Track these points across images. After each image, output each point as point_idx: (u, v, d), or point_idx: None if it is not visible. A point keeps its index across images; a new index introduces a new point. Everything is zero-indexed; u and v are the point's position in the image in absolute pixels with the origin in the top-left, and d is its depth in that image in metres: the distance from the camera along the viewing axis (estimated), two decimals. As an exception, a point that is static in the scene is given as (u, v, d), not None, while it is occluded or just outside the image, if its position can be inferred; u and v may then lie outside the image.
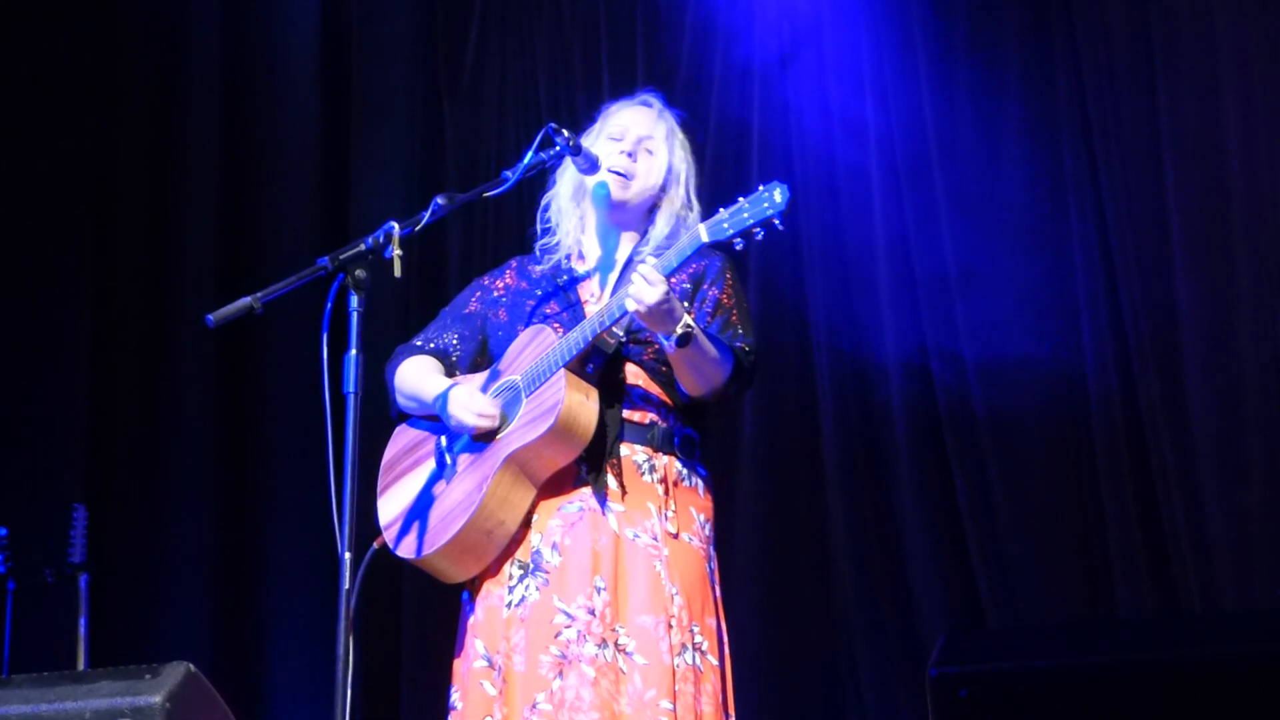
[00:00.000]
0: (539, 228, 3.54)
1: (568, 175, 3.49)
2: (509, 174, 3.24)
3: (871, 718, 5.12)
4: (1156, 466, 4.85)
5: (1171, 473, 4.81)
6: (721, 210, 3.08)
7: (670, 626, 3.15)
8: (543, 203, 3.55)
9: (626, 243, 3.46)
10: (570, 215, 3.49)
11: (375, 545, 3.30)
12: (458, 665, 3.30)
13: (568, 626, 3.14)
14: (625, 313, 3.17)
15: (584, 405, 3.18)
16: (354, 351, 2.93)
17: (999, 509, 5.05)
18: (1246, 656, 3.72)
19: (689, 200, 3.46)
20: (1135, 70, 5.05)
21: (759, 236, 3.03)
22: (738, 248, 3.07)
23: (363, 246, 3.00)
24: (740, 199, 3.05)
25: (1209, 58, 4.94)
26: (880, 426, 5.27)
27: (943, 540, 5.13)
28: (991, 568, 5.03)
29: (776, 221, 3.01)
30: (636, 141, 3.42)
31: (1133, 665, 3.79)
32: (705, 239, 3.07)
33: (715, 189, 5.38)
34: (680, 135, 3.50)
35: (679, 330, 3.08)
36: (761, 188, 3.03)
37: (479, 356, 3.48)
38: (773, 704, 5.16)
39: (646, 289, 3.03)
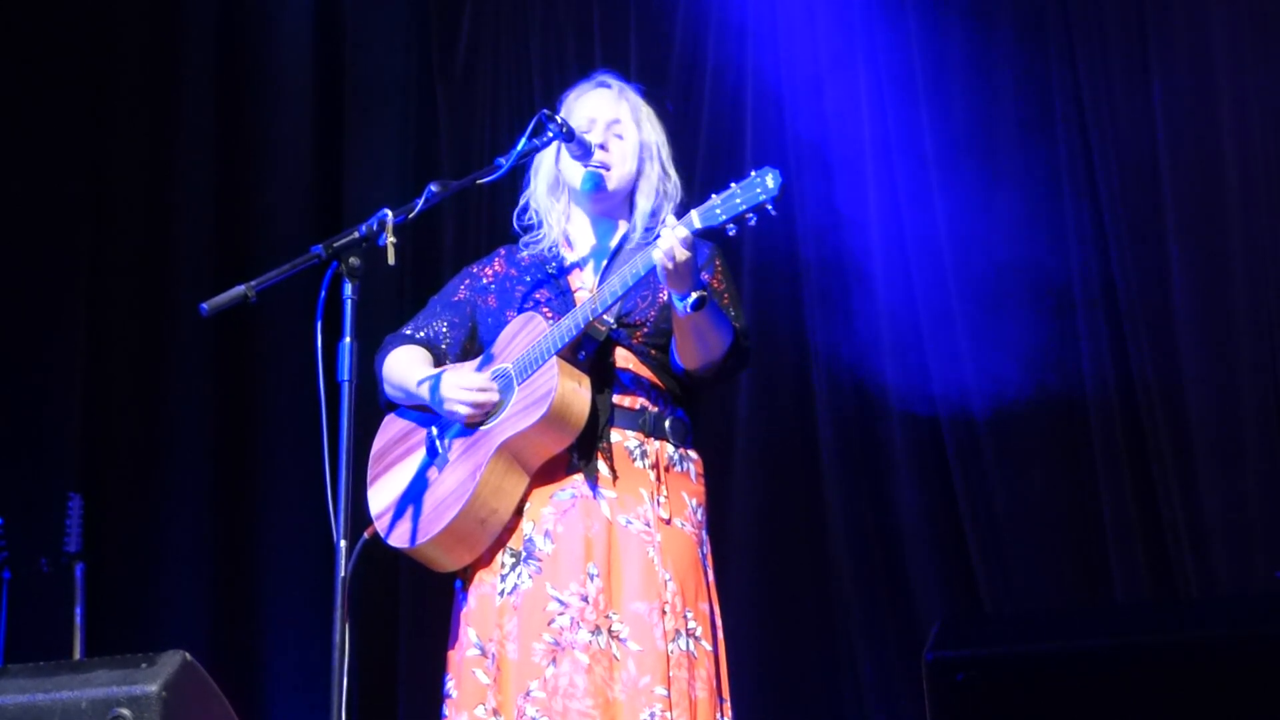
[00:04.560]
0: (520, 225, 3.54)
1: (543, 170, 3.49)
2: (503, 160, 3.23)
3: (869, 702, 5.13)
4: (1153, 450, 4.84)
5: (1167, 457, 4.81)
6: (714, 196, 3.07)
7: (664, 613, 3.15)
8: (521, 202, 3.55)
9: (613, 229, 3.46)
10: (552, 209, 3.49)
11: (366, 535, 3.30)
12: (452, 655, 3.30)
13: (561, 614, 3.14)
14: (618, 298, 3.18)
15: (576, 393, 3.19)
16: (348, 339, 2.92)
17: (995, 494, 5.05)
18: (1242, 640, 3.72)
19: (665, 172, 3.47)
20: (1129, 51, 5.04)
21: (752, 222, 3.03)
22: (730, 233, 3.06)
23: (356, 234, 2.98)
24: (733, 184, 3.05)
25: (1202, 35, 4.93)
26: (876, 413, 5.26)
27: (939, 525, 5.13)
28: (988, 553, 5.03)
29: (769, 206, 3.01)
30: (605, 129, 3.41)
31: (1129, 649, 3.80)
32: (698, 224, 3.07)
33: (710, 174, 5.41)
34: (646, 108, 3.49)
35: (697, 293, 3.09)
36: (754, 173, 3.03)
37: (468, 343, 3.48)
38: (770, 689, 5.16)
39: (678, 247, 3.04)
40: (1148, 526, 4.85)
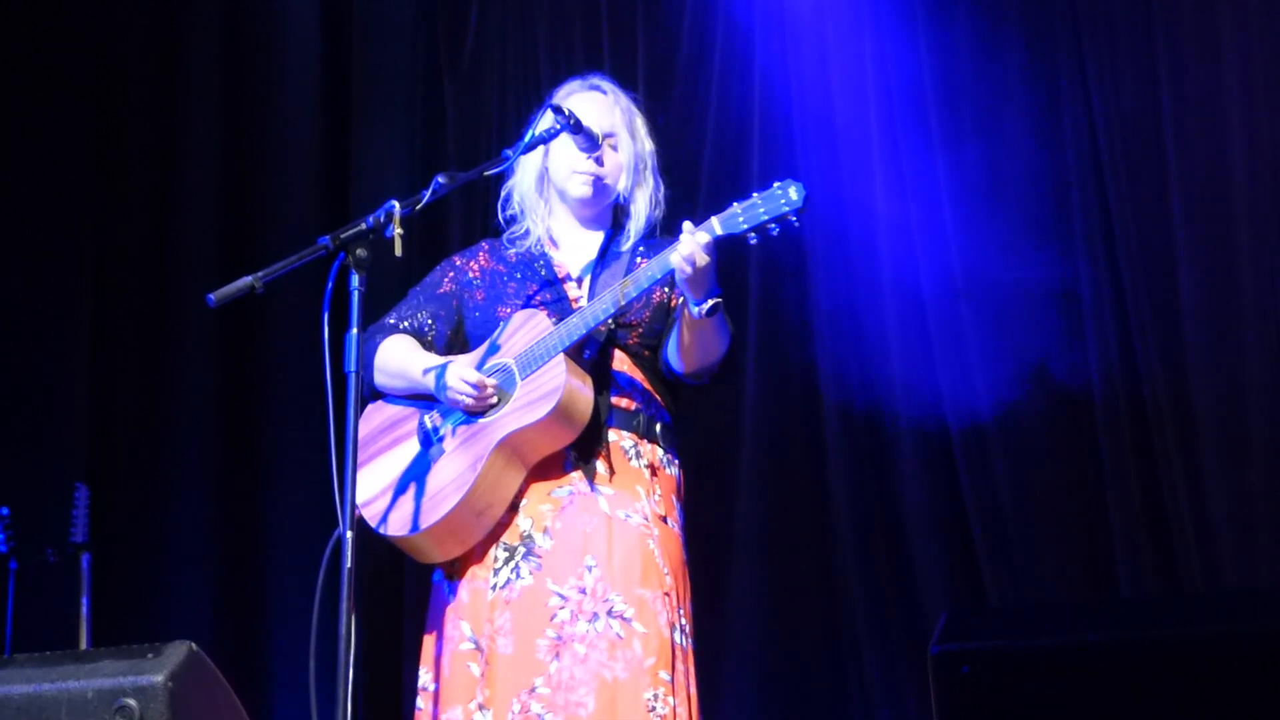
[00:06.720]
0: (502, 218, 3.53)
1: (530, 165, 3.48)
2: (510, 152, 3.23)
3: (874, 695, 5.13)
4: (1158, 446, 4.84)
5: (1173, 452, 4.81)
6: (735, 205, 3.07)
7: (665, 603, 3.15)
8: (503, 194, 3.54)
9: (601, 233, 3.47)
10: (537, 205, 3.48)
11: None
12: (427, 645, 3.29)
13: (561, 608, 3.14)
14: (632, 301, 3.18)
15: (581, 391, 3.19)
16: (355, 330, 2.91)
17: (1001, 488, 5.05)
18: (1247, 635, 3.73)
19: (657, 181, 3.47)
20: (1136, 47, 5.04)
21: (774, 232, 3.04)
22: (752, 241, 3.07)
23: (364, 225, 2.98)
24: (755, 194, 3.06)
25: (1211, 28, 4.93)
26: (882, 408, 5.26)
27: (945, 519, 5.13)
28: (994, 547, 5.03)
29: (793, 218, 3.02)
30: (601, 140, 3.39)
31: (1134, 643, 3.80)
32: (720, 231, 3.07)
33: (717, 168, 5.41)
34: (638, 116, 3.49)
35: (713, 300, 3.09)
36: (777, 185, 3.04)
37: (453, 336, 3.45)
38: (775, 683, 5.16)
39: (699, 252, 3.04)
40: (1153, 522, 4.85)
